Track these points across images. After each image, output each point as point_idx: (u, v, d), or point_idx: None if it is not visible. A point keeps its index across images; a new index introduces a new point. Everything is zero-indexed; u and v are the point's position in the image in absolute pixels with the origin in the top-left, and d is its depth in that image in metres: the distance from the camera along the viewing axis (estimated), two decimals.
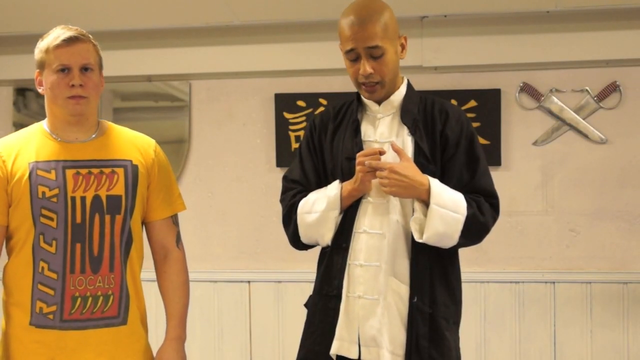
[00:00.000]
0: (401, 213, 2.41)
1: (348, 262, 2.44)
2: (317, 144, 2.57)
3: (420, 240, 2.36)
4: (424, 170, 2.40)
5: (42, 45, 2.36)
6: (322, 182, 2.55)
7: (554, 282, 4.08)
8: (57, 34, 2.34)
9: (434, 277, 2.42)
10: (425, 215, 2.37)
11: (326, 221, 2.46)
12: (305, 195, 2.54)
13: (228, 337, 4.33)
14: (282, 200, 2.61)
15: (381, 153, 2.38)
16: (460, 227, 2.37)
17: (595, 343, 4.04)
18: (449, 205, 2.35)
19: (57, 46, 2.32)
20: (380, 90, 2.44)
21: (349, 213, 2.45)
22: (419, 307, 2.38)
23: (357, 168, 2.39)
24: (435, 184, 2.37)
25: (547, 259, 4.11)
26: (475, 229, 2.41)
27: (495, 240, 4.11)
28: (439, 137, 2.44)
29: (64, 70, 2.32)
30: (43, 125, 2.42)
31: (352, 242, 2.44)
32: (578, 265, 4.08)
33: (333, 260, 2.48)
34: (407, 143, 2.44)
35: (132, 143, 2.46)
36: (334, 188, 2.46)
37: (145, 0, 4.04)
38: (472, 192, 2.44)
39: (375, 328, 2.39)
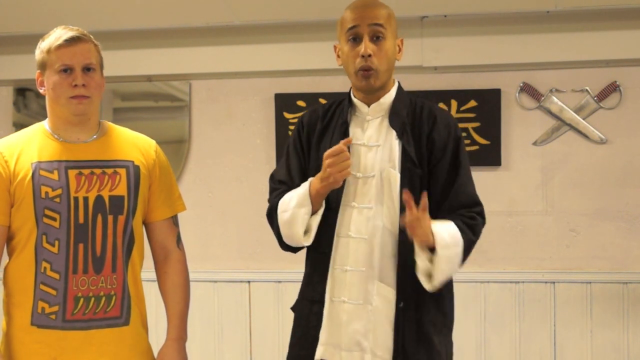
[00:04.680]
0: (388, 218, 2.39)
1: (333, 266, 2.43)
2: (305, 144, 2.55)
3: (431, 289, 2.34)
4: (412, 174, 2.39)
5: (43, 45, 2.35)
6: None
7: (554, 282, 4.08)
8: (58, 34, 2.34)
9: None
10: (430, 261, 2.33)
11: (297, 218, 2.42)
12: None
13: (228, 337, 4.33)
14: (268, 201, 2.60)
15: (346, 143, 2.33)
16: (460, 257, 2.36)
17: (595, 343, 4.04)
18: (450, 244, 2.33)
19: (59, 46, 2.31)
20: (375, 79, 2.41)
21: (330, 218, 2.44)
22: (406, 311, 2.37)
23: (328, 169, 2.32)
24: (437, 228, 2.32)
25: (547, 259, 4.11)
26: (470, 249, 2.41)
27: (495, 240, 4.11)
28: (426, 141, 2.43)
29: (67, 70, 2.32)
30: (44, 125, 2.41)
31: (338, 247, 2.43)
32: (578, 265, 4.08)
33: (315, 266, 2.49)
34: (395, 147, 2.42)
35: (134, 144, 2.46)
36: (303, 185, 2.44)
37: (145, 0, 4.04)
38: (455, 199, 2.41)
39: (360, 333, 2.39)
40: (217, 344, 4.34)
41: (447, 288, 2.46)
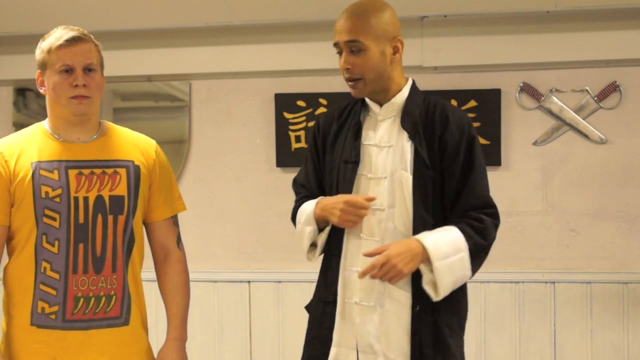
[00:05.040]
0: (400, 220, 2.39)
1: (344, 267, 2.43)
2: (320, 146, 2.56)
3: (438, 299, 2.33)
4: (424, 176, 2.38)
5: (43, 45, 2.35)
6: (324, 185, 2.55)
7: (554, 282, 4.08)
8: (59, 35, 2.33)
9: None
10: (431, 271, 2.32)
11: (303, 234, 2.49)
12: (305, 201, 2.57)
13: (228, 337, 4.33)
14: (294, 202, 2.64)
15: (369, 200, 2.35)
16: (467, 264, 2.34)
17: (595, 343, 4.04)
18: (449, 253, 2.31)
19: (60, 46, 2.31)
20: (362, 88, 2.42)
21: None
22: (422, 315, 2.36)
23: (339, 212, 2.35)
24: (428, 240, 2.31)
25: (547, 259, 4.11)
26: (481, 254, 2.39)
27: (496, 240, 4.10)
28: (438, 142, 2.40)
29: (67, 70, 2.31)
30: (44, 125, 2.41)
31: (348, 248, 2.43)
32: (578, 265, 4.08)
33: (329, 266, 2.49)
34: (406, 148, 2.41)
35: (134, 144, 2.46)
36: (312, 204, 2.47)
37: (145, 0, 4.04)
38: (466, 201, 2.39)
39: (372, 335, 2.38)
40: (217, 344, 4.34)
41: (461, 289, 2.45)
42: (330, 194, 2.50)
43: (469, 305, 4.05)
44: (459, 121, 2.43)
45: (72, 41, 2.31)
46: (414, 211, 2.37)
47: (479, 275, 4.04)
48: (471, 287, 4.05)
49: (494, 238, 2.41)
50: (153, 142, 2.52)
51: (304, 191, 2.60)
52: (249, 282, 4.32)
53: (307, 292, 2.61)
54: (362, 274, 2.29)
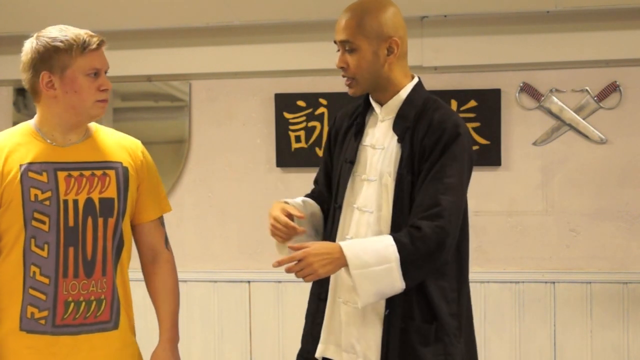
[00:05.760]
0: (385, 225, 2.36)
1: None
2: (333, 141, 2.58)
3: (361, 306, 2.29)
4: (402, 180, 2.34)
5: (59, 45, 2.27)
6: (331, 182, 2.57)
7: (554, 282, 4.08)
8: (80, 36, 2.28)
9: (410, 290, 2.30)
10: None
11: None
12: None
13: (228, 337, 4.33)
14: None
15: (299, 217, 2.42)
16: (396, 274, 2.24)
17: (595, 343, 4.04)
18: (371, 262, 2.23)
19: (92, 50, 2.28)
20: (355, 87, 2.42)
21: (335, 217, 2.45)
22: (391, 320, 2.33)
23: (270, 228, 2.48)
24: (349, 247, 2.26)
25: (547, 259, 4.11)
26: (418, 265, 2.26)
27: (495, 240, 4.11)
28: (419, 146, 2.35)
29: (95, 74, 2.30)
30: (31, 125, 2.36)
31: None
32: (578, 265, 4.08)
33: None
34: (395, 152, 2.38)
35: (121, 144, 2.43)
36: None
37: (145, 0, 4.04)
38: (416, 204, 2.30)
39: (354, 336, 2.38)
40: (217, 344, 4.34)
41: (443, 289, 2.36)
42: (334, 193, 2.51)
43: None
44: (440, 123, 2.34)
45: (100, 44, 2.31)
46: (392, 217, 2.34)
47: (479, 275, 4.08)
48: (471, 287, 4.05)
49: (438, 244, 2.26)
50: (139, 143, 2.49)
51: (315, 187, 2.63)
52: (249, 282, 4.32)
53: (307, 292, 2.61)
54: (278, 263, 2.28)
